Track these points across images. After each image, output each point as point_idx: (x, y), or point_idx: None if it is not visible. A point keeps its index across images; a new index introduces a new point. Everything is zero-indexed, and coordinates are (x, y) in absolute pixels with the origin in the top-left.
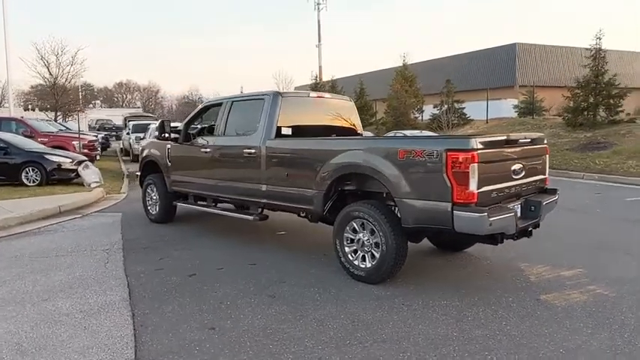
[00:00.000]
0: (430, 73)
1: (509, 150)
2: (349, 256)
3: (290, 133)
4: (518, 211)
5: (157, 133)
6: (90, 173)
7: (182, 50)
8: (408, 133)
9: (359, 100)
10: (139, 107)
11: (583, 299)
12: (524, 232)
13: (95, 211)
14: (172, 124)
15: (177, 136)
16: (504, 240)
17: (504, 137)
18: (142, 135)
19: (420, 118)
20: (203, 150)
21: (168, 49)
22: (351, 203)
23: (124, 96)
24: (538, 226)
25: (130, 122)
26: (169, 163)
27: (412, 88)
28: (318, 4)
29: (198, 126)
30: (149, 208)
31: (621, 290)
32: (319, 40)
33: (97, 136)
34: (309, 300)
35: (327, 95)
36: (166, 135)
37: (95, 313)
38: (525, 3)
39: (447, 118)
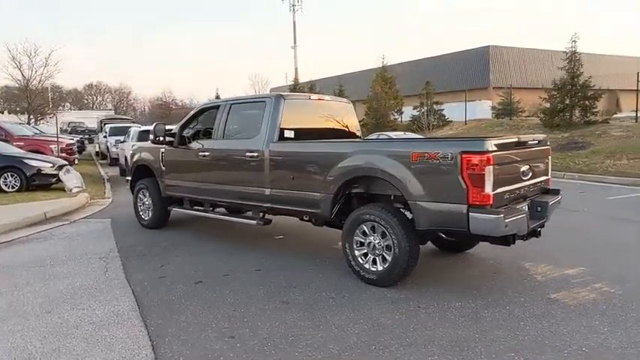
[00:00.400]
0: (407, 74)
1: (519, 151)
2: (359, 259)
3: (293, 135)
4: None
5: (151, 137)
6: (71, 178)
7: (155, 51)
8: (392, 134)
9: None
10: (110, 109)
11: (592, 297)
12: (534, 233)
13: (82, 218)
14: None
15: (172, 139)
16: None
17: (516, 139)
18: (121, 138)
19: (400, 119)
20: (201, 154)
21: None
22: (360, 206)
23: (95, 98)
24: (543, 227)
25: (107, 125)
26: (163, 168)
27: (391, 90)
28: (294, 5)
29: (194, 129)
30: (141, 213)
31: (625, 287)
32: (295, 42)
33: (73, 140)
34: (323, 305)
35: (327, 97)
36: (161, 138)
37: (106, 325)
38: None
39: (427, 120)
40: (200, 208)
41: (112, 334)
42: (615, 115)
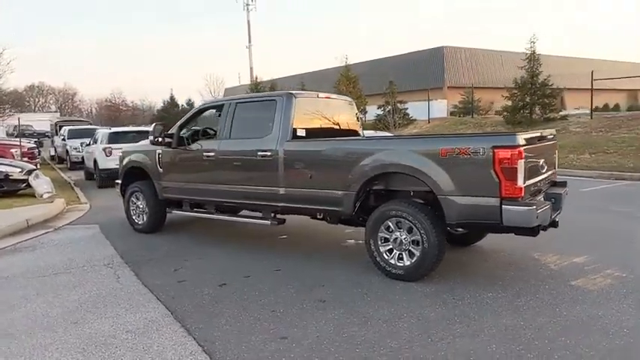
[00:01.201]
0: (365, 74)
1: (539, 146)
2: (384, 255)
3: (304, 134)
4: None
5: (151, 138)
6: (41, 183)
7: (104, 51)
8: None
9: None
10: (55, 111)
11: (609, 282)
12: (553, 223)
13: (66, 224)
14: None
15: (170, 140)
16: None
17: (539, 134)
18: (87, 141)
19: (364, 118)
20: (205, 154)
21: (88, 49)
22: (377, 203)
23: (37, 99)
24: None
25: (64, 128)
26: (161, 169)
27: (355, 89)
28: (247, 4)
29: (194, 129)
30: (134, 217)
31: (635, 272)
32: (249, 41)
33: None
34: (360, 302)
35: (332, 96)
36: (160, 139)
37: (144, 332)
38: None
39: (393, 119)
40: (201, 210)
41: (156, 342)
42: (561, 113)
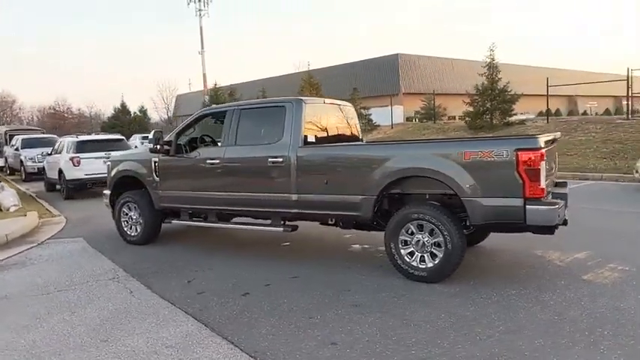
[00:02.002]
0: (325, 80)
1: (552, 148)
2: (406, 258)
3: (314, 140)
4: None
5: (150, 146)
6: (7, 196)
7: (46, 56)
8: None
9: None
10: None
11: (617, 276)
12: (564, 221)
13: (48, 239)
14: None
15: (168, 148)
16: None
17: (552, 136)
18: (48, 150)
19: None
20: (209, 161)
21: (28, 55)
22: (392, 207)
23: None
24: None
25: (17, 137)
26: (157, 178)
27: (318, 95)
28: (200, 10)
29: (194, 136)
30: (126, 229)
31: (637, 265)
32: (202, 47)
33: None
34: (393, 305)
35: (337, 102)
36: (159, 147)
37: (186, 347)
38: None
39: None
40: (201, 219)
41: (203, 356)
42: (516, 117)
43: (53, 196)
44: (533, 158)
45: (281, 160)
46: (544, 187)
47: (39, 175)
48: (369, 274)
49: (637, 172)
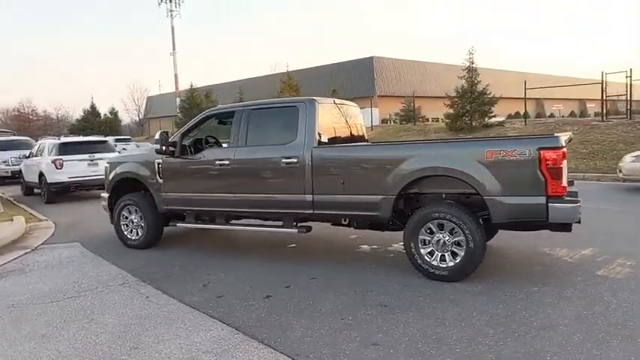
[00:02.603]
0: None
1: (567, 147)
2: (426, 257)
3: (327, 140)
4: None
5: (157, 147)
6: None
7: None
8: None
9: None
10: None
11: (628, 271)
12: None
13: (41, 244)
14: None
15: (173, 149)
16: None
17: (568, 136)
18: (26, 153)
19: None
20: (218, 162)
21: None
22: (426, 205)
23: None
24: None
25: None
26: (161, 180)
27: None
28: (171, 11)
29: (199, 137)
30: (126, 233)
31: None
32: (174, 48)
33: None
34: (422, 304)
35: (346, 102)
36: (165, 148)
37: (224, 352)
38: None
39: None
40: (202, 221)
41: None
42: (495, 119)
43: (32, 200)
44: (555, 157)
45: (295, 160)
46: (565, 185)
47: (13, 178)
48: (386, 274)
49: (621, 171)
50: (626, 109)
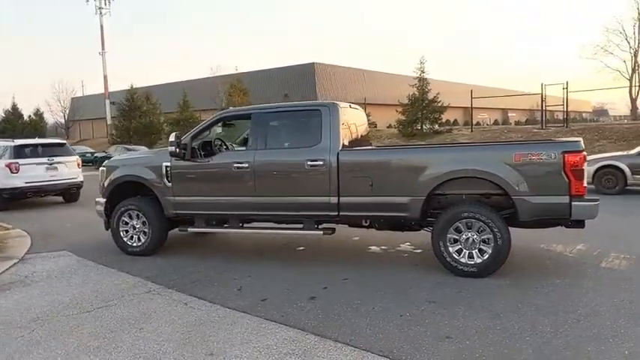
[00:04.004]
0: (245, 85)
1: None
2: (454, 255)
3: (347, 143)
4: None
5: (171, 149)
6: None
7: None
8: None
9: (183, 112)
10: None
11: (627, 263)
12: None
13: (26, 254)
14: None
15: (183, 152)
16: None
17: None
18: None
19: None
20: (236, 165)
21: None
22: (455, 205)
23: None
24: None
25: None
26: (169, 184)
27: (244, 101)
28: (100, 8)
29: (211, 140)
30: (126, 239)
31: (632, 253)
32: (102, 47)
33: None
34: (464, 298)
35: (356, 106)
36: (179, 150)
37: (305, 353)
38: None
39: None
40: (211, 225)
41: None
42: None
43: None
44: (578, 160)
45: (321, 163)
46: (586, 185)
47: None
48: (413, 273)
49: None
50: (564, 118)
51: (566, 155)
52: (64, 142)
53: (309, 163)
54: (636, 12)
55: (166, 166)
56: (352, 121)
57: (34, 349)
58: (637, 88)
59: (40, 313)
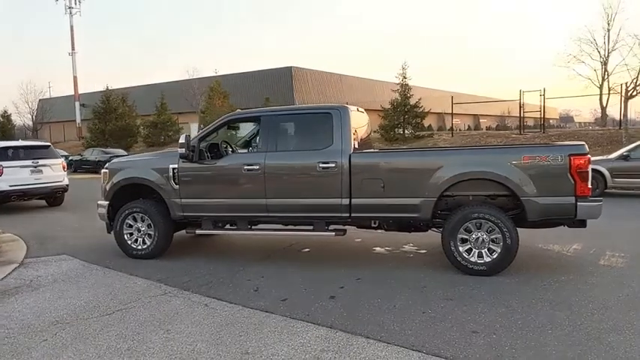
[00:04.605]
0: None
1: None
2: (464, 254)
3: (357, 145)
4: None
5: (181, 151)
6: None
7: None
8: None
9: (160, 115)
10: None
11: (623, 260)
12: None
13: (25, 258)
14: None
15: (191, 154)
16: None
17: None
18: None
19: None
20: (247, 167)
21: None
22: (464, 206)
23: None
24: None
25: None
26: (176, 186)
27: (226, 104)
28: (70, 7)
29: (218, 142)
30: (130, 242)
31: (625, 251)
32: (72, 48)
33: None
34: (480, 295)
35: (360, 109)
36: (189, 152)
37: (340, 349)
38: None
39: None
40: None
41: (371, 355)
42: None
43: None
44: (583, 162)
45: (333, 165)
46: (590, 186)
47: None
48: (423, 272)
49: None
50: (540, 124)
51: (572, 158)
52: (49, 144)
53: (321, 165)
54: (606, 23)
55: (173, 169)
56: (358, 124)
57: (63, 352)
58: (607, 96)
59: (57, 317)
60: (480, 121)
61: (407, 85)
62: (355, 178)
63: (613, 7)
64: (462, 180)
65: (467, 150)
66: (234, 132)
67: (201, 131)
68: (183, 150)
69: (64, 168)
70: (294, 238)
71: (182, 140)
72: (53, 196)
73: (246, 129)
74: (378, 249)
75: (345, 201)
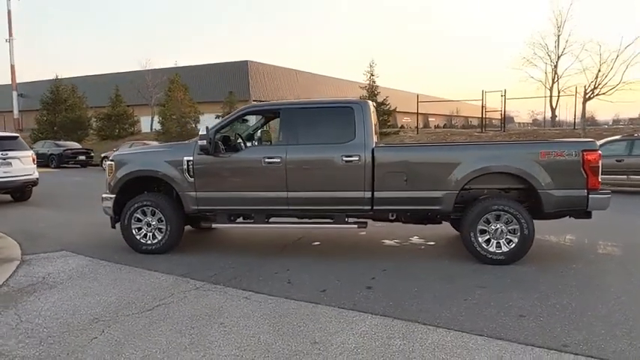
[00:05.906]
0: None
1: None
2: (484, 245)
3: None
4: None
5: (202, 143)
6: None
7: None
8: None
9: (115, 107)
10: None
11: (617, 249)
12: None
13: (24, 255)
14: None
15: (207, 146)
16: None
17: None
18: None
19: (195, 127)
20: (268, 160)
21: None
22: (484, 199)
23: None
24: None
25: None
26: (191, 179)
27: (186, 97)
28: None
29: (235, 135)
30: (139, 237)
31: (618, 241)
32: (10, 34)
33: None
34: (507, 284)
35: (373, 104)
36: (209, 145)
37: (406, 335)
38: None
39: None
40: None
41: (437, 342)
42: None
43: None
44: (595, 157)
45: (357, 159)
46: (600, 180)
47: None
48: (443, 263)
49: None
50: (501, 122)
51: (585, 153)
52: (17, 135)
53: (344, 158)
54: (556, 29)
55: (188, 161)
56: (375, 119)
57: (123, 349)
58: (556, 98)
59: (94, 314)
60: (429, 120)
61: (374, 82)
62: (378, 171)
63: (562, 15)
64: (483, 174)
65: (488, 145)
66: (239, 125)
67: (217, 123)
68: (204, 142)
69: (33, 160)
70: (302, 231)
71: (202, 132)
72: (21, 191)
73: (253, 122)
74: (387, 241)
75: (368, 194)
